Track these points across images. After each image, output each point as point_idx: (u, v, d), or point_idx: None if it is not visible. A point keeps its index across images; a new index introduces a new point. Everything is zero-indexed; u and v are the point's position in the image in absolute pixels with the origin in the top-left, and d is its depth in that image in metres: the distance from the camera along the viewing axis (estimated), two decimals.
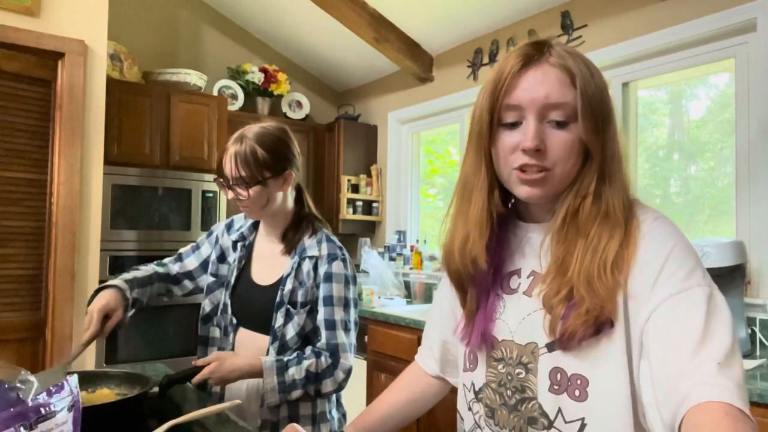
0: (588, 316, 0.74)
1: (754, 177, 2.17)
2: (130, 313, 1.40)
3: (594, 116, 0.77)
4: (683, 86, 2.58)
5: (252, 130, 1.39)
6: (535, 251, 0.85)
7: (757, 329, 2.06)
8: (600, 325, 0.74)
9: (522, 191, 0.80)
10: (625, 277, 0.75)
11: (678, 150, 2.60)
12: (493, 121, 0.80)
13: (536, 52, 0.79)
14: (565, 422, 0.78)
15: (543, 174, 0.78)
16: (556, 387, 0.79)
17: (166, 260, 1.59)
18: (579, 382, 0.77)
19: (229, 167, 1.36)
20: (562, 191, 0.81)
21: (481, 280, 0.88)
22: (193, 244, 1.61)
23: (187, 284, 1.57)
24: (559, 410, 0.78)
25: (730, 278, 1.96)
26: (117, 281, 1.38)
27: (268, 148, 1.37)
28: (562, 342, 0.77)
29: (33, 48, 2.54)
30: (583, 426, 0.77)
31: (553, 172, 0.78)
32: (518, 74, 0.78)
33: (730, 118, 2.32)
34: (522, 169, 0.78)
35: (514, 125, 0.79)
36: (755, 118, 2.17)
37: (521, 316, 0.84)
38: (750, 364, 1.79)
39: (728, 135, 2.34)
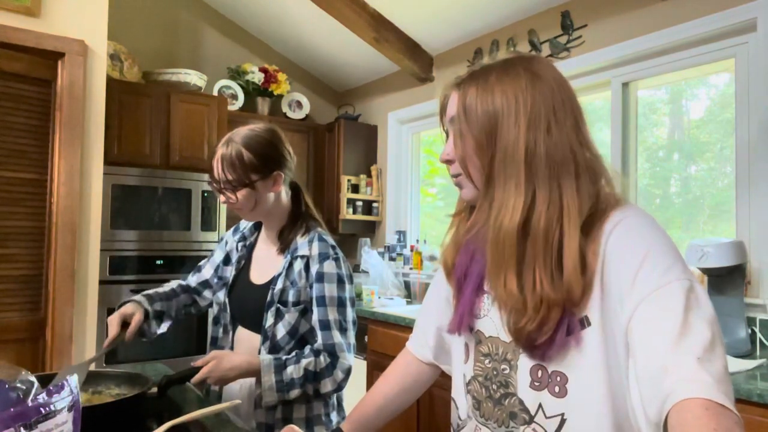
0: (551, 323, 0.76)
1: (754, 177, 2.17)
2: (165, 325, 1.50)
3: (471, 125, 0.84)
4: (683, 86, 2.58)
5: (240, 133, 1.39)
6: None
7: (757, 329, 2.06)
8: (572, 327, 0.76)
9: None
10: (601, 279, 0.76)
11: (678, 150, 2.60)
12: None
13: (458, 80, 0.90)
14: (546, 417, 0.80)
15: (458, 179, 0.91)
16: (537, 383, 0.81)
17: (188, 276, 1.66)
18: (559, 378, 0.79)
19: (216, 170, 1.37)
20: None
21: (469, 278, 0.91)
22: (210, 254, 1.67)
23: (207, 294, 1.61)
24: (540, 406, 0.81)
25: (730, 278, 1.96)
26: (135, 297, 1.45)
27: (255, 151, 1.36)
28: (534, 348, 0.79)
29: (33, 48, 2.53)
30: (563, 422, 0.79)
31: (464, 176, 0.88)
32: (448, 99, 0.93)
33: (730, 118, 2.32)
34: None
35: None
36: (755, 118, 2.17)
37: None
38: (750, 364, 1.79)
39: (728, 135, 2.34)
